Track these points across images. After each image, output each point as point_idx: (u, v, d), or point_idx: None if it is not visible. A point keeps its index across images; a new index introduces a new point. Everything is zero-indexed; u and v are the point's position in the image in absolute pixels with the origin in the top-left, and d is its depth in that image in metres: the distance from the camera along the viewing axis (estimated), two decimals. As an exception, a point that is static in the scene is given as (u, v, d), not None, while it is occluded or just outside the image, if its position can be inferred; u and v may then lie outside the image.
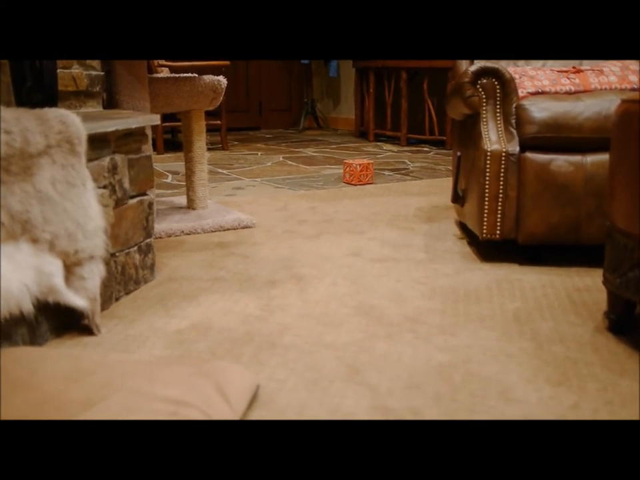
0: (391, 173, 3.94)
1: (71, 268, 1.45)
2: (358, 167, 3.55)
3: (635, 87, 2.14)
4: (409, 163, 4.36)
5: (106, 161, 1.64)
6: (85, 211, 1.45)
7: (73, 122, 1.42)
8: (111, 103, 2.21)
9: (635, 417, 1.13)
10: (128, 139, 1.77)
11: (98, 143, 1.60)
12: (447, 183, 3.57)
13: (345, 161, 3.67)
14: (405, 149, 5.16)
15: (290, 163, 4.43)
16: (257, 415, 1.15)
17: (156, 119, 1.89)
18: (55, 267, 1.40)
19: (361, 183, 3.56)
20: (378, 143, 5.53)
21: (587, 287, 1.82)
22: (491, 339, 1.47)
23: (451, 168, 4.10)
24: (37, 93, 1.59)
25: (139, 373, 1.18)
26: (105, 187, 1.64)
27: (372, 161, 3.64)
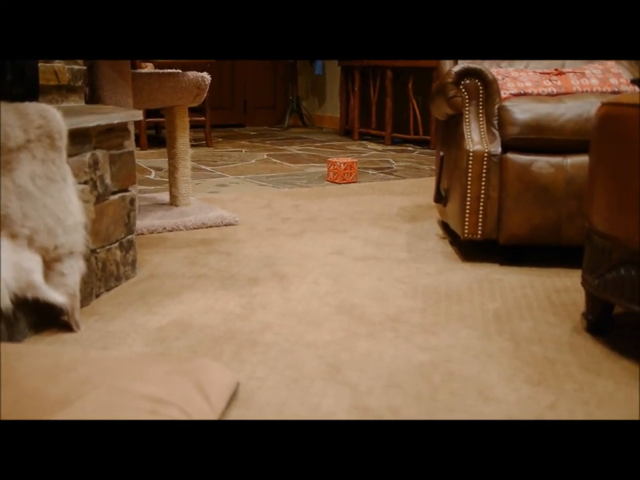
0: (374, 172, 3.95)
1: (50, 264, 1.44)
2: (342, 165, 3.55)
3: (616, 90, 2.16)
4: (393, 162, 4.37)
5: (87, 157, 1.63)
6: (65, 207, 1.44)
7: (54, 116, 1.41)
8: (93, 98, 2.19)
9: (610, 417, 1.15)
10: (110, 135, 1.76)
11: (79, 138, 1.59)
12: (431, 182, 3.58)
13: (329, 159, 3.67)
14: (390, 148, 5.17)
15: (274, 160, 4.43)
16: (236, 413, 1.15)
17: (138, 115, 1.88)
18: (34, 263, 1.38)
19: (344, 181, 3.56)
20: (362, 142, 5.54)
21: (566, 287, 1.83)
22: (471, 339, 1.48)
23: (434, 167, 4.11)
24: (18, 86, 1.57)
25: (119, 370, 1.17)
26: (85, 183, 1.62)
27: (356, 160, 3.65)
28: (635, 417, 1.15)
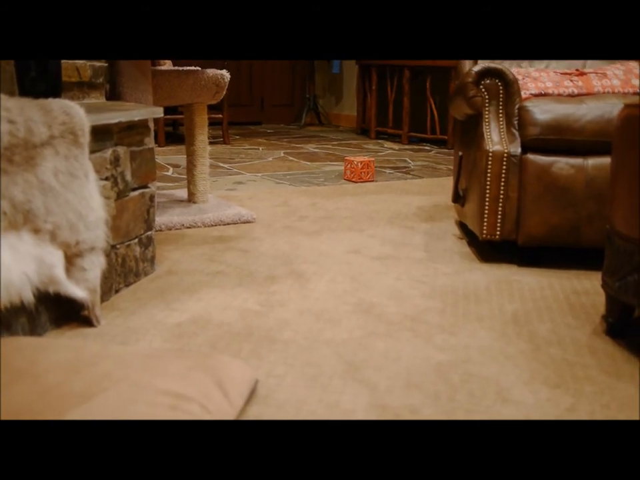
0: (391, 171, 3.94)
1: (71, 259, 1.45)
2: (359, 164, 3.55)
3: (638, 91, 2.14)
4: (410, 162, 4.36)
5: (108, 153, 1.64)
6: (87, 203, 1.45)
7: (77, 113, 1.42)
8: (113, 95, 2.20)
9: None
10: (130, 131, 1.77)
11: (101, 135, 1.60)
12: (448, 182, 3.57)
13: (346, 157, 3.67)
14: (406, 147, 5.16)
15: (291, 158, 4.43)
16: (255, 410, 1.16)
17: (159, 112, 1.89)
18: (56, 258, 1.40)
19: (361, 180, 3.56)
20: (379, 141, 5.53)
21: (585, 290, 1.82)
22: (489, 340, 1.48)
23: (451, 167, 4.10)
24: (41, 83, 1.59)
25: (139, 365, 1.18)
26: (107, 179, 1.64)
27: (373, 159, 3.65)
28: (655, 421, 1.14)
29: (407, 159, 4.50)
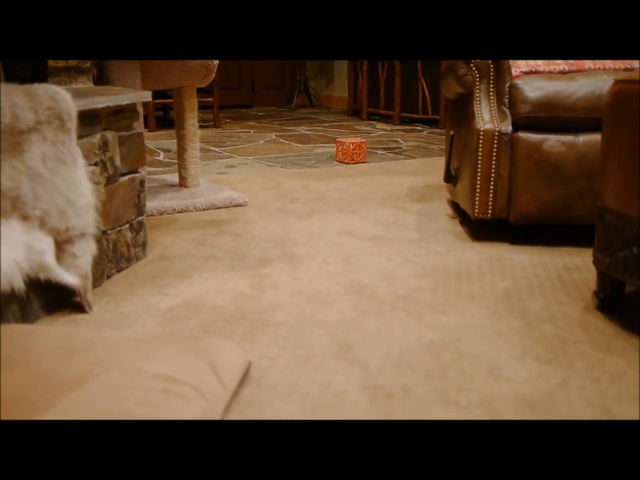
0: (383, 152, 3.93)
1: (62, 245, 1.45)
2: (351, 145, 3.54)
3: (629, 66, 2.13)
4: (402, 142, 4.35)
5: (97, 138, 1.63)
6: (76, 188, 1.44)
7: (63, 98, 1.41)
8: (101, 79, 2.18)
9: (621, 395, 1.15)
10: (119, 116, 1.75)
11: (88, 120, 1.59)
12: (440, 162, 3.56)
13: (337, 139, 3.66)
14: (398, 127, 5.14)
15: (282, 141, 4.41)
16: (248, 391, 1.16)
17: (147, 96, 1.87)
18: (46, 244, 1.39)
19: (353, 161, 3.55)
20: (371, 122, 5.51)
21: (576, 266, 1.83)
22: (481, 318, 1.48)
23: (443, 147, 4.09)
24: (27, 68, 1.57)
25: (132, 350, 1.18)
26: (95, 164, 1.63)
27: (365, 140, 3.63)
28: (646, 395, 1.15)
29: (398, 139, 4.49)
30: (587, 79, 1.93)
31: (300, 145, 4.21)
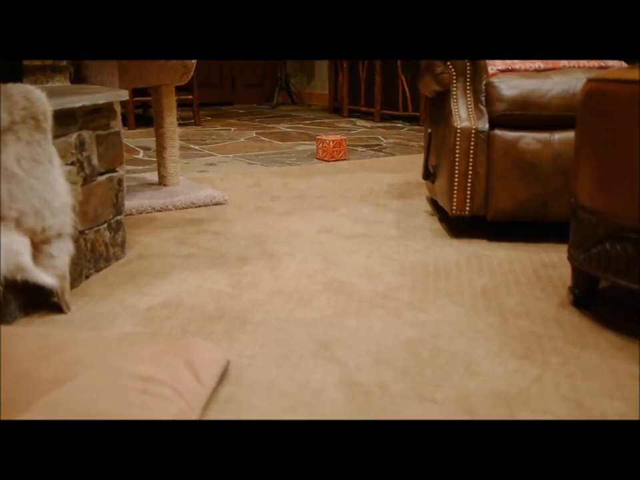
0: (364, 149, 3.95)
1: (38, 246, 1.44)
2: (331, 143, 3.54)
3: (603, 65, 2.16)
4: (382, 139, 4.37)
5: (73, 138, 1.62)
6: (52, 188, 1.43)
7: (38, 97, 1.40)
8: (78, 78, 2.17)
9: (594, 389, 1.17)
10: (96, 115, 1.75)
11: (65, 119, 1.58)
12: (420, 159, 3.58)
13: (317, 137, 3.66)
14: (379, 124, 5.16)
15: (263, 138, 4.41)
16: (227, 390, 1.17)
17: (124, 95, 1.87)
18: (22, 245, 1.38)
19: (333, 159, 3.56)
20: (352, 119, 5.52)
21: (553, 262, 1.85)
22: (459, 314, 1.50)
23: (423, 144, 4.11)
24: (1, 67, 1.56)
25: (110, 350, 1.18)
26: (72, 164, 1.62)
27: (345, 137, 3.64)
28: (618, 389, 1.17)
29: (379, 136, 4.51)
30: (562, 77, 1.96)
31: (280, 143, 4.21)
